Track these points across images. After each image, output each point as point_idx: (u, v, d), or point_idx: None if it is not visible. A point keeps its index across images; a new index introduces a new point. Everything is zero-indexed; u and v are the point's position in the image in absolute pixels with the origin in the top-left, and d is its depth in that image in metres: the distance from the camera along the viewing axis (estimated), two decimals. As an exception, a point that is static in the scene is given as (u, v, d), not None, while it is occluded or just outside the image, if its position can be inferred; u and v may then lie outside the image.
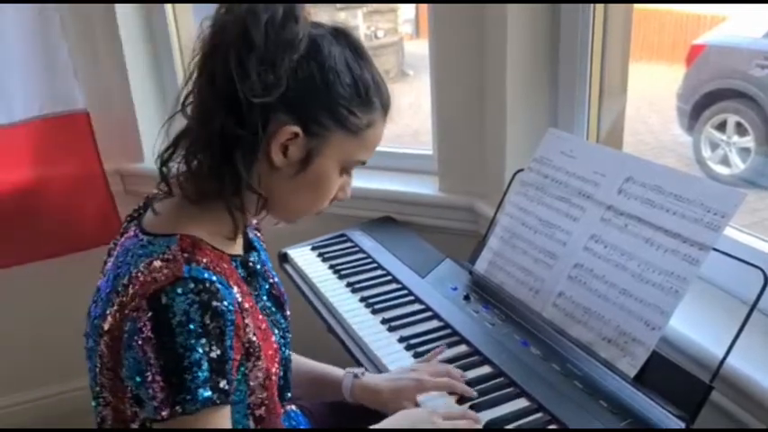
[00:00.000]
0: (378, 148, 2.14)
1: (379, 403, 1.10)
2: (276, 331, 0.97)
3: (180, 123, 0.90)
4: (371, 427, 1.00)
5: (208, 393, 0.77)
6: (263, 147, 0.85)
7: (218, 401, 0.78)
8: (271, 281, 1.04)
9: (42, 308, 2.11)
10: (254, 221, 0.97)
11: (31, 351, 2.15)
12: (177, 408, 0.76)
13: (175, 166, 0.90)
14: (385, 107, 0.94)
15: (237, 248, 0.95)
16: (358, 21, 7.18)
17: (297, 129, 0.85)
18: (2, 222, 1.91)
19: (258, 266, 0.99)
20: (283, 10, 0.83)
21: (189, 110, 0.89)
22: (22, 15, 1.82)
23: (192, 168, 0.88)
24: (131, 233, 0.90)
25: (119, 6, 1.94)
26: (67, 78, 1.90)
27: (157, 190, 0.92)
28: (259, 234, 1.09)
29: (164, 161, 0.90)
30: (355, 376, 1.14)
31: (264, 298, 0.99)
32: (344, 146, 0.90)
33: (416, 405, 1.07)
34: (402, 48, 7.75)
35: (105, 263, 0.97)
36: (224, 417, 0.81)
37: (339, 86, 0.87)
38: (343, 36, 0.89)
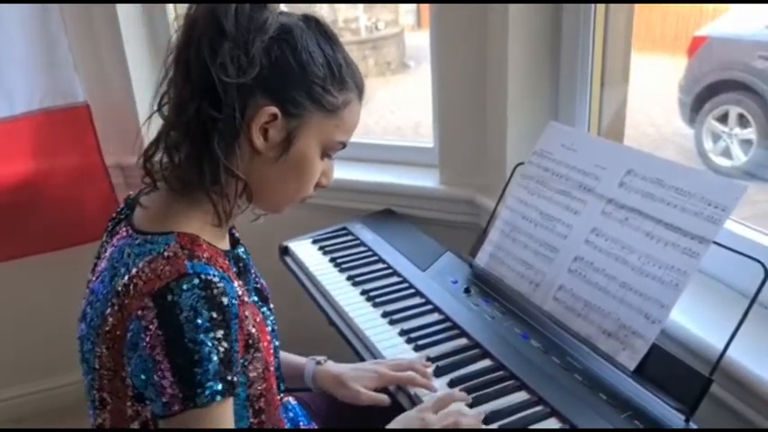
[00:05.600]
0: (378, 141, 2.14)
1: (337, 385, 1.13)
2: (268, 322, 0.99)
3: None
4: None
5: (218, 386, 0.77)
6: (243, 132, 0.86)
7: (226, 394, 0.79)
8: (254, 275, 1.04)
9: (43, 300, 2.12)
10: (240, 211, 0.96)
11: (30, 344, 2.16)
12: (189, 402, 0.76)
13: (159, 160, 0.91)
14: (359, 88, 0.95)
15: (226, 244, 0.96)
16: (359, 12, 7.15)
17: (275, 110, 0.86)
18: (3, 215, 1.92)
19: (247, 261, 1.01)
20: (251, 2, 0.85)
21: (165, 110, 0.90)
22: (22, 9, 1.82)
23: (173, 159, 0.89)
24: (123, 233, 0.90)
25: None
26: (68, 71, 1.90)
27: (143, 184, 0.94)
28: (234, 230, 1.09)
29: (147, 157, 0.91)
30: (318, 363, 1.17)
31: (252, 293, 1.00)
32: (323, 126, 0.91)
33: (375, 390, 1.10)
34: (403, 40, 7.73)
35: (95, 265, 0.96)
36: (229, 409, 0.82)
37: (313, 66, 0.88)
38: (313, 22, 0.91)
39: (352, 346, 1.25)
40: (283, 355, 1.21)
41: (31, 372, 2.22)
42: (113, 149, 2.03)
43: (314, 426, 1.16)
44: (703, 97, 3.08)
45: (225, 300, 0.79)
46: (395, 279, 1.45)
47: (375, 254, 1.55)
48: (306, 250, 1.60)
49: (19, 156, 1.90)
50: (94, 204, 1.99)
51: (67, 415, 1.97)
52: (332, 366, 1.17)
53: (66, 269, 1.90)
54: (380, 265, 1.51)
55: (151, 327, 0.77)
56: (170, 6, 2.00)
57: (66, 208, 1.98)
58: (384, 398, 1.10)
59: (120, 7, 1.94)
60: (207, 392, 0.77)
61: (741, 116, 2.93)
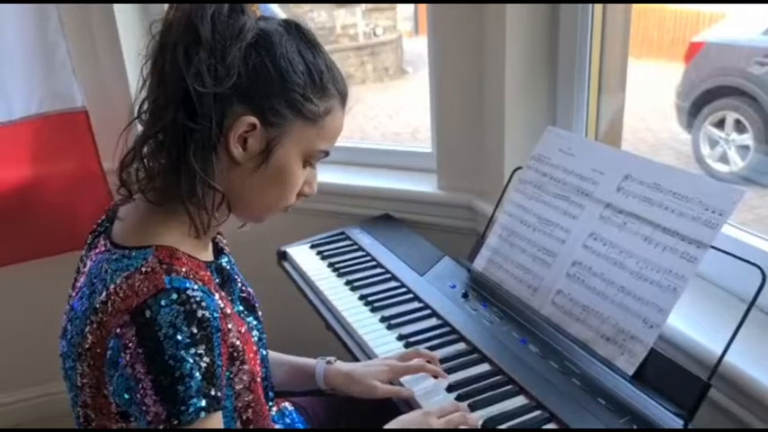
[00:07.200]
0: (377, 146, 2.14)
1: (350, 382, 1.12)
2: (254, 333, 0.97)
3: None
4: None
5: (201, 403, 0.76)
6: (222, 142, 0.83)
7: (210, 410, 0.77)
8: (240, 284, 1.03)
9: (42, 304, 2.11)
10: (222, 221, 0.93)
11: (29, 349, 2.15)
12: (173, 420, 0.75)
13: (135, 170, 0.88)
14: (342, 95, 0.92)
15: (209, 254, 0.94)
16: (357, 18, 7.17)
17: (254, 119, 0.84)
18: (1, 220, 1.91)
19: (231, 271, 0.99)
20: (229, 2, 0.83)
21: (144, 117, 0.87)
22: (21, 13, 1.82)
23: (150, 170, 0.86)
24: (101, 247, 0.88)
25: (117, 4, 1.94)
26: (66, 76, 1.90)
27: (118, 194, 0.90)
28: (221, 237, 1.07)
29: (123, 166, 0.88)
30: (328, 362, 1.17)
31: (237, 302, 0.99)
32: (304, 135, 0.88)
33: (389, 383, 1.10)
34: (401, 45, 7.75)
35: (75, 280, 0.94)
36: (217, 423, 0.80)
37: (292, 74, 0.85)
38: (294, 27, 0.88)
39: (350, 351, 1.25)
40: (292, 358, 1.21)
41: (30, 376, 2.21)
42: (111, 155, 2.02)
43: (311, 430, 1.16)
44: (700, 103, 3.10)
45: (205, 313, 0.77)
46: (393, 284, 1.45)
47: (373, 258, 1.55)
48: (304, 255, 1.60)
49: (17, 160, 1.90)
50: (92, 210, 1.97)
51: (67, 420, 1.96)
52: (342, 365, 1.16)
53: (63, 272, 1.89)
54: (378, 270, 1.51)
55: (130, 345, 0.75)
56: (167, 6, 2.00)
57: (63, 213, 1.97)
58: (401, 390, 1.09)
59: (117, 11, 1.94)
60: (191, 409, 0.75)
61: (738, 122, 2.95)
